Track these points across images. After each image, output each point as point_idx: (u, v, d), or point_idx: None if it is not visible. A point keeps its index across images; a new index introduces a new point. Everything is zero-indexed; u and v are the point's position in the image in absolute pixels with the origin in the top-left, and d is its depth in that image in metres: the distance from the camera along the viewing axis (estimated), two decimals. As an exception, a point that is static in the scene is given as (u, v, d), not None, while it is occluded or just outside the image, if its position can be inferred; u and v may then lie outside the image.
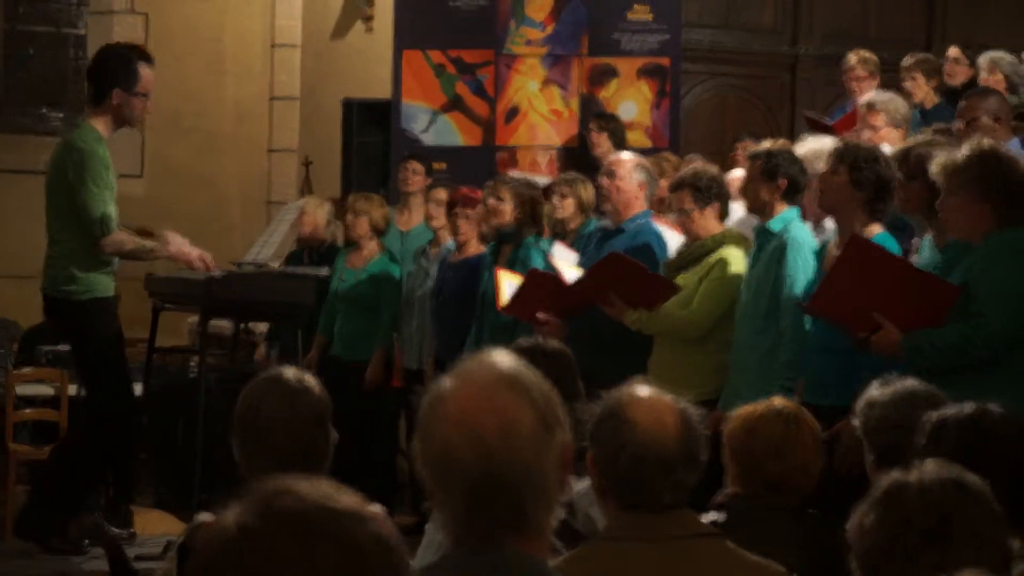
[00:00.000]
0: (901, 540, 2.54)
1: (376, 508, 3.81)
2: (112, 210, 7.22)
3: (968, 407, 3.57)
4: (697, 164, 7.20)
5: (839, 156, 5.82)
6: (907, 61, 9.73)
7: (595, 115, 10.09)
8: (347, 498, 1.77)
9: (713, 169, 6.96)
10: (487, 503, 2.29)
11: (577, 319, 7.19)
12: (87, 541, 7.26)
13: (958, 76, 9.83)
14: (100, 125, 7.29)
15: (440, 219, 8.77)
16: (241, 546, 1.70)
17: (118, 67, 7.34)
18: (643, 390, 3.34)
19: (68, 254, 7.22)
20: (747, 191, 6.45)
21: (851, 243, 5.45)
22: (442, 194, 8.80)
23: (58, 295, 7.27)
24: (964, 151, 5.26)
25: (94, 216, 7.13)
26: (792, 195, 6.31)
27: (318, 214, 9.78)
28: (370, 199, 9.25)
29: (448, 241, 8.74)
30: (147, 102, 7.42)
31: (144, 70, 7.37)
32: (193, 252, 7.52)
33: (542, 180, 9.14)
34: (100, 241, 7.16)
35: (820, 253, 6.04)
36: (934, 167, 5.33)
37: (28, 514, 7.38)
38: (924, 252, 5.64)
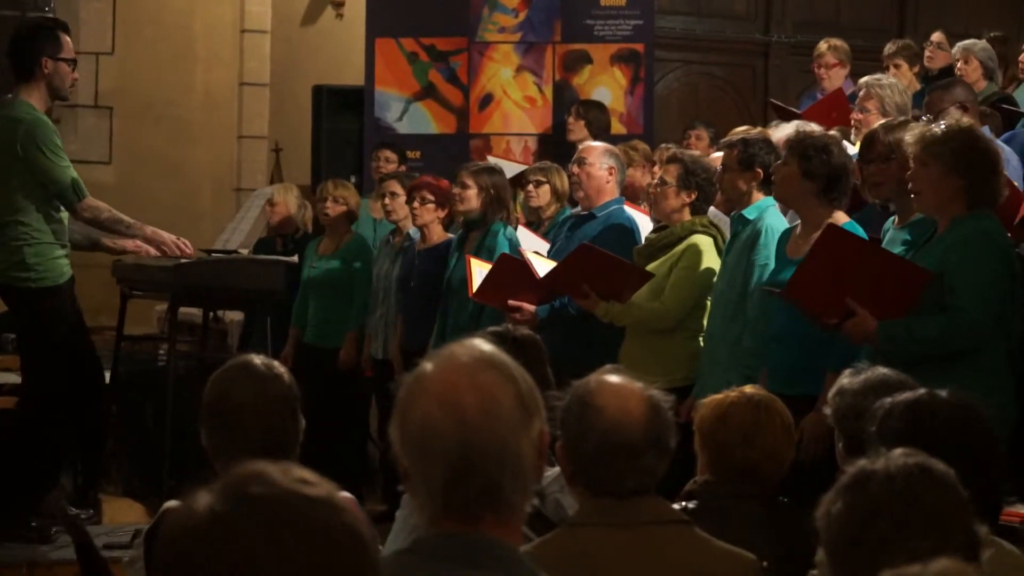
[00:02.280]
0: (868, 528, 2.54)
1: (346, 496, 3.81)
2: (77, 176, 7.14)
3: (917, 392, 3.57)
4: (697, 154, 7.20)
5: (790, 147, 5.84)
6: (889, 48, 9.75)
7: (579, 102, 10.06)
8: (319, 486, 1.75)
9: (713, 165, 6.94)
10: (465, 478, 2.28)
11: (551, 307, 7.20)
12: (54, 528, 7.18)
13: (938, 61, 9.84)
14: (34, 100, 7.20)
15: (396, 212, 8.74)
16: (208, 533, 1.69)
17: (41, 36, 7.26)
18: (612, 377, 3.35)
19: (18, 238, 7.09)
20: (723, 180, 6.43)
21: (827, 231, 5.45)
22: (395, 186, 8.77)
23: (9, 281, 7.17)
24: (943, 126, 5.26)
25: (64, 184, 7.04)
26: (768, 184, 6.30)
27: (288, 200, 9.75)
28: (347, 186, 9.24)
29: (411, 229, 8.72)
30: (74, 70, 7.34)
31: (64, 38, 7.30)
32: (168, 237, 7.43)
33: (517, 167, 9.13)
34: (76, 206, 7.07)
35: (783, 238, 6.02)
36: (909, 137, 5.32)
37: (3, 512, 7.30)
38: (887, 235, 5.64)
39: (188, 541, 1.69)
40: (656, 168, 7.87)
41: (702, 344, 6.57)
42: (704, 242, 6.73)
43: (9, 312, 7.50)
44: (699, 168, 6.79)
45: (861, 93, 7.68)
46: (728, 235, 6.58)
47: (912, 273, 5.22)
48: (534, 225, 8.25)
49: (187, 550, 1.69)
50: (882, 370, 4.07)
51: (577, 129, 9.65)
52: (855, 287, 5.23)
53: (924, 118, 6.98)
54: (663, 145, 8.74)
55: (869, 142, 5.89)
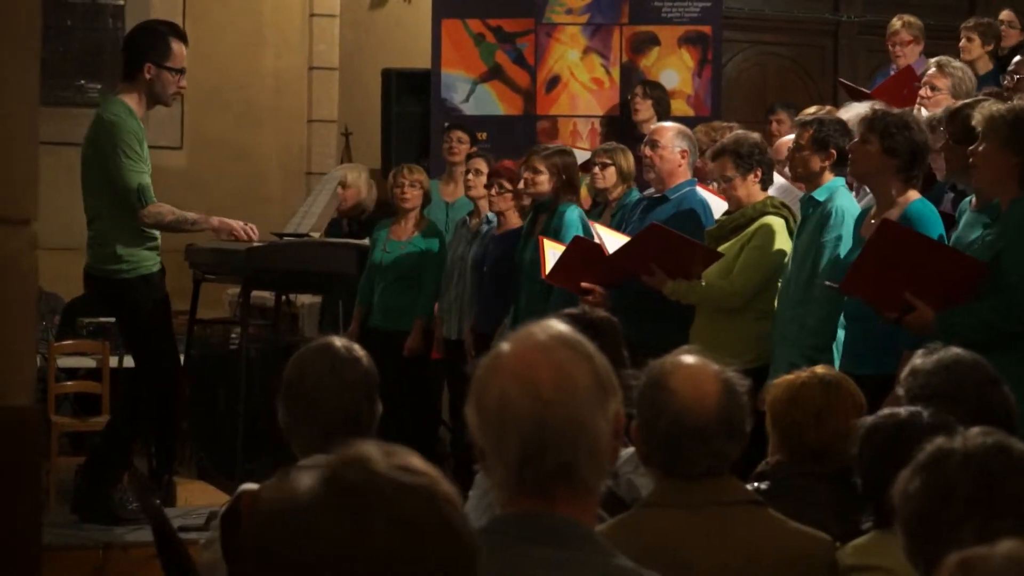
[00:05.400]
0: (945, 507, 2.53)
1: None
2: (148, 181, 7.19)
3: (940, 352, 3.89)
4: (738, 131, 7.18)
5: (869, 124, 5.79)
6: (969, 21, 9.68)
7: (641, 81, 10.05)
8: (421, 475, 1.74)
9: (755, 136, 6.93)
10: (540, 455, 2.29)
11: (621, 288, 7.19)
12: (136, 504, 7.22)
13: (1010, 39, 9.78)
14: (132, 101, 7.23)
15: (478, 189, 8.76)
16: (299, 517, 1.69)
17: (150, 40, 7.29)
18: (687, 358, 3.34)
19: (110, 231, 7.19)
20: (796, 160, 6.41)
21: (881, 227, 5.44)
22: (480, 164, 8.80)
23: (101, 274, 7.25)
24: (1009, 104, 5.25)
25: (131, 187, 7.10)
26: (841, 165, 6.28)
27: (360, 183, 9.75)
28: (420, 170, 9.25)
29: (488, 211, 8.73)
30: (180, 79, 7.32)
31: (176, 45, 7.29)
32: (236, 222, 7.48)
33: (582, 154, 9.11)
34: (139, 212, 7.14)
35: (858, 220, 6.00)
36: (977, 115, 5.31)
37: (84, 493, 7.37)
38: (964, 216, 5.61)
39: (280, 523, 1.70)
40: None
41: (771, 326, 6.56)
42: (776, 223, 6.70)
43: (107, 304, 7.56)
44: (745, 147, 6.75)
45: (931, 71, 7.64)
46: (799, 215, 6.57)
47: (967, 265, 5.22)
48: (600, 207, 8.25)
49: (278, 532, 1.69)
50: (955, 350, 4.05)
51: (644, 108, 9.64)
52: (912, 280, 5.22)
53: (1003, 82, 6.95)
54: (720, 123, 8.72)
55: (951, 118, 5.88)
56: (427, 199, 9.14)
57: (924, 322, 5.20)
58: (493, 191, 8.40)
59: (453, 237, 9.05)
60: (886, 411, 3.63)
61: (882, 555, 3.36)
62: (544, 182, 8.01)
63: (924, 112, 7.06)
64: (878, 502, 3.39)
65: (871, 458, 3.50)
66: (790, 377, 4.29)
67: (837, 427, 4.10)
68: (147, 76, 7.21)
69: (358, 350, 3.81)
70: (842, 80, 10.66)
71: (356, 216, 9.77)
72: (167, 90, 7.30)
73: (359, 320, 9.17)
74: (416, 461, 1.77)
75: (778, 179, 7.08)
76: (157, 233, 7.30)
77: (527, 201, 8.31)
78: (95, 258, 7.26)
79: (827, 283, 5.82)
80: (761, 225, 6.71)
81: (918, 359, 4.07)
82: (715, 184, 7.41)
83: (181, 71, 7.31)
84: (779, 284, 6.56)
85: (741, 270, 6.70)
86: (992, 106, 5.31)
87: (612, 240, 7.10)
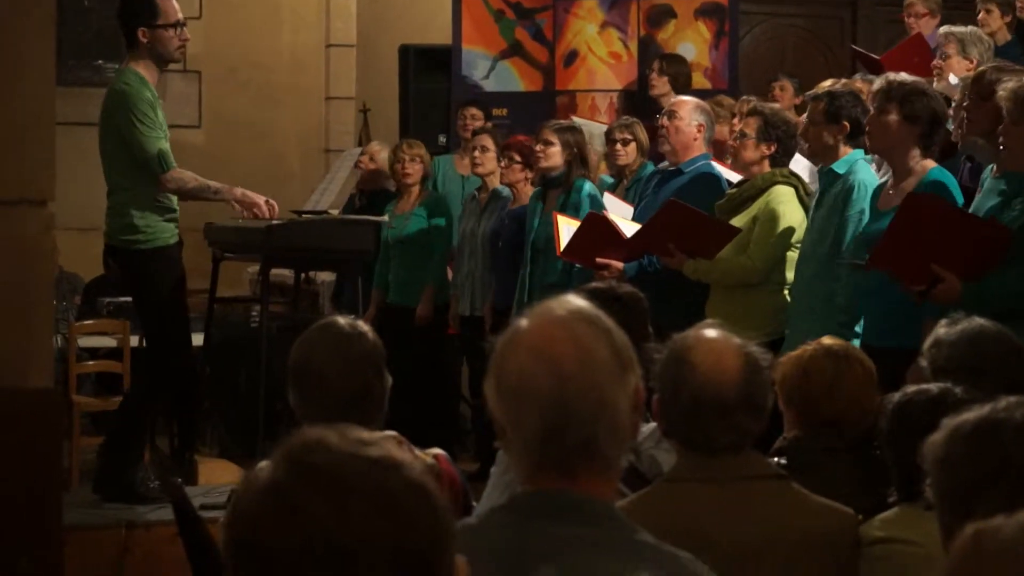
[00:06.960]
0: (999, 479, 2.45)
1: (438, 452, 3.83)
2: (167, 147, 7.17)
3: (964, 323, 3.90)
4: (777, 106, 7.16)
5: (886, 94, 5.74)
6: None
7: (660, 56, 9.98)
8: (378, 446, 1.74)
9: (793, 118, 6.89)
10: (561, 430, 2.28)
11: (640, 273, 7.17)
12: (156, 482, 7.24)
13: None
14: (141, 68, 7.19)
15: (485, 165, 8.76)
16: (273, 506, 1.68)
17: (136, 5, 7.26)
18: (709, 332, 3.33)
19: (128, 202, 7.18)
20: (809, 133, 6.38)
21: (908, 200, 5.40)
22: (486, 140, 8.80)
23: (120, 244, 7.26)
24: None
25: (150, 154, 7.07)
26: (855, 137, 6.24)
27: (381, 157, 9.76)
28: (420, 145, 9.26)
29: (496, 186, 8.73)
30: (181, 32, 7.22)
31: (164, 1, 7.25)
32: (259, 197, 7.44)
33: (600, 127, 9.09)
34: (161, 177, 7.11)
35: (875, 194, 5.96)
36: (1002, 91, 5.27)
37: (105, 472, 7.39)
38: (985, 184, 5.57)
39: (255, 515, 1.69)
40: (736, 121, 7.84)
41: (787, 298, 6.54)
42: (785, 192, 6.68)
43: (123, 274, 7.57)
44: (779, 121, 6.76)
45: (942, 41, 7.63)
46: (809, 185, 6.54)
47: (994, 231, 5.18)
48: (616, 181, 8.22)
49: (255, 525, 1.69)
50: (979, 320, 4.03)
51: (660, 84, 9.59)
52: (938, 251, 5.18)
53: None
54: (744, 98, 8.69)
55: (976, 79, 5.83)
56: (428, 174, 9.14)
57: (952, 293, 5.16)
58: (503, 163, 8.40)
59: (463, 212, 9.05)
60: (915, 387, 3.59)
61: (909, 528, 3.35)
62: (556, 155, 7.98)
63: (948, 80, 7.03)
64: (906, 477, 3.37)
65: (901, 434, 3.47)
66: (796, 352, 4.28)
67: (850, 396, 4.10)
68: (143, 40, 7.16)
69: (362, 325, 3.81)
70: (854, 47, 10.62)
71: (369, 192, 9.77)
72: (169, 47, 7.22)
73: (376, 303, 9.17)
74: (366, 433, 1.76)
75: (803, 160, 7.05)
76: (175, 205, 7.28)
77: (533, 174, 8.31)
78: (113, 228, 7.26)
79: (854, 262, 5.78)
80: (772, 195, 6.69)
81: (941, 329, 4.05)
82: (728, 159, 7.40)
83: (176, 24, 7.23)
84: (790, 255, 6.55)
85: (757, 244, 6.67)
86: (1018, 84, 5.25)
87: (628, 228, 7.08)
